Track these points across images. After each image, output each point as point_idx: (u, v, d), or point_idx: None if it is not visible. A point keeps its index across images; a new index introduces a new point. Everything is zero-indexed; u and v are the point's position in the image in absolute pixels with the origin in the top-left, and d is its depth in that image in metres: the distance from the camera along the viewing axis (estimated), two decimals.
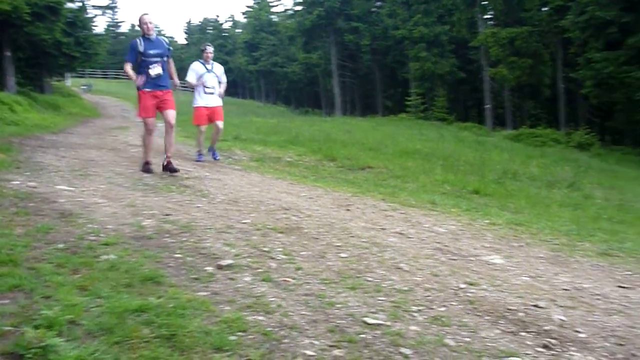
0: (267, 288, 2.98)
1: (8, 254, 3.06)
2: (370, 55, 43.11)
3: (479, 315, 2.86)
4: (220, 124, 8.79)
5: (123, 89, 41.07)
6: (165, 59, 7.03)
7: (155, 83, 6.87)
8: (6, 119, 14.28)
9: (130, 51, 6.91)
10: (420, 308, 2.88)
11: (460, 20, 35.40)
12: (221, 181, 6.89)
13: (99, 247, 3.41)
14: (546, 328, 2.74)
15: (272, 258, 3.55)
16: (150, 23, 6.95)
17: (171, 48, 7.37)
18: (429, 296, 3.08)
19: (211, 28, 74.30)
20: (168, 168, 6.93)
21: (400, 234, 4.67)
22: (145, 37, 6.88)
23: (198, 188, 6.07)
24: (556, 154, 18.58)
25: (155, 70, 6.82)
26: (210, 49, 8.87)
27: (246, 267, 3.30)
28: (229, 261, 3.35)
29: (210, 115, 8.73)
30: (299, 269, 3.38)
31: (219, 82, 8.89)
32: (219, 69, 8.93)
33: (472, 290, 3.24)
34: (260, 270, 3.28)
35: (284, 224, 4.59)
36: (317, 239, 4.19)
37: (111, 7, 31.49)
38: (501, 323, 2.78)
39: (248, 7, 62.13)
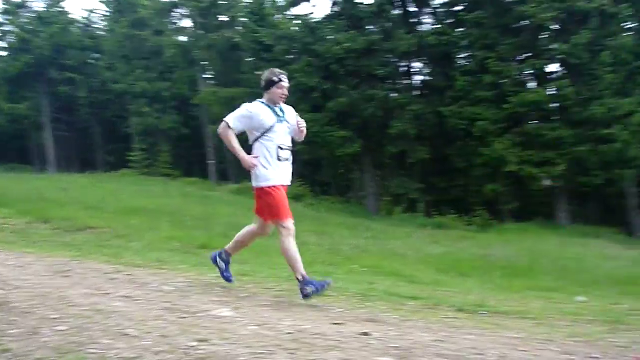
0: None
1: None
2: (88, 109, 40.82)
3: None
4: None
5: None
6: None
7: None
8: None
9: None
10: None
11: (181, 77, 36.17)
12: None
13: None
14: None
15: None
16: None
17: None
18: None
19: None
20: None
21: (126, 297, 4.44)
22: None
23: None
24: None
25: None
26: (286, 83, 5.00)
27: None
28: None
29: None
30: (6, 350, 2.94)
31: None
32: (292, 115, 5.14)
33: (202, 347, 3.23)
34: None
35: None
36: (29, 313, 3.72)
37: None
38: None
39: None
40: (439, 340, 3.74)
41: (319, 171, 32.47)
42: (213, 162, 33.82)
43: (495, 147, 21.46)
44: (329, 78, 25.67)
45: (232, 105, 27.76)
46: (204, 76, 35.81)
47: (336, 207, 25.33)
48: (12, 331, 3.29)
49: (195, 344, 3.29)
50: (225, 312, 4.17)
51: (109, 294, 4.54)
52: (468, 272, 8.98)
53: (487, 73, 22.33)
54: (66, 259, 6.27)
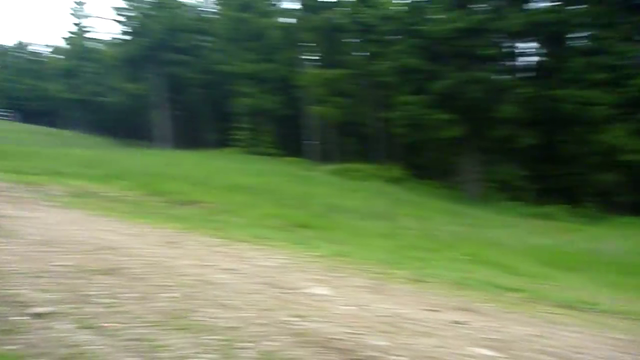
0: (90, 335, 2.79)
1: None
2: (199, 89, 42.83)
3: (309, 347, 2.96)
4: None
5: None
6: None
7: None
8: None
9: None
10: (252, 344, 2.91)
11: (286, 59, 36.87)
12: (35, 220, 6.31)
13: None
14: (370, 354, 2.93)
15: (96, 302, 3.33)
16: None
17: None
18: (260, 331, 3.12)
19: (25, 53, 68.00)
20: None
21: (230, 269, 4.67)
22: None
23: (7, 228, 5.48)
24: (374, 188, 20.01)
25: None
26: None
27: (66, 314, 3.05)
28: (45, 308, 3.08)
29: None
30: (125, 312, 3.21)
31: None
32: None
33: (300, 323, 3.35)
34: (82, 316, 3.06)
35: (106, 264, 4.33)
36: (143, 279, 4.02)
37: None
38: (329, 353, 2.91)
39: (70, 32, 58.01)
40: (538, 335, 3.60)
41: (419, 154, 31.97)
42: (313, 142, 34.31)
43: (610, 133, 19.99)
44: (433, 59, 25.08)
45: (334, 86, 27.66)
46: (306, 57, 36.23)
47: (436, 191, 24.86)
48: (128, 294, 3.58)
49: (293, 319, 3.41)
50: (323, 290, 4.27)
51: (214, 265, 4.79)
52: (574, 266, 8.49)
53: (605, 53, 20.77)
54: (176, 231, 6.67)
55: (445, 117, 24.26)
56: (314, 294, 4.13)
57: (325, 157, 33.70)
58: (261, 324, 3.24)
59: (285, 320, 3.36)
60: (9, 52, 67.80)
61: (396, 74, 26.61)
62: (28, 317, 2.95)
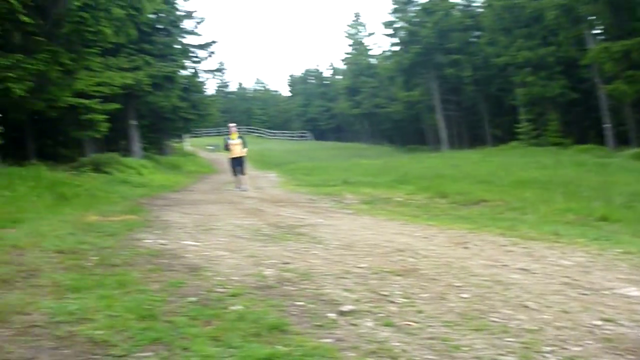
0: (389, 333, 2.98)
1: (147, 309, 3.31)
2: (473, 86, 42.29)
3: (619, 355, 2.66)
4: None
5: None
6: None
7: None
8: (135, 181, 15.65)
9: None
10: (553, 348, 2.73)
11: (566, 39, 33.90)
12: (335, 226, 7.01)
13: (227, 299, 3.60)
14: None
15: (392, 302, 3.54)
16: None
17: None
18: (561, 335, 2.91)
19: (312, 78, 76.98)
20: None
21: (524, 269, 4.46)
22: None
23: (313, 235, 6.22)
24: None
25: None
26: None
27: (367, 312, 3.32)
28: (350, 307, 3.39)
29: None
30: (420, 312, 3.34)
31: None
32: None
33: (609, 327, 3.02)
34: (381, 314, 3.28)
35: (400, 266, 4.57)
36: (436, 279, 4.12)
37: (220, 70, 34.33)
38: None
39: (347, 53, 63.58)
40: None
41: None
42: (609, 125, 30.71)
43: None
44: None
45: (628, 58, 24.30)
46: (592, 33, 32.69)
47: None
48: (423, 295, 3.71)
49: (599, 322, 3.10)
50: (635, 291, 3.77)
51: (506, 265, 4.64)
52: None
53: None
54: (464, 231, 6.66)
55: None
56: (623, 295, 3.68)
57: (621, 140, 29.91)
58: (562, 327, 3.02)
59: (590, 324, 3.07)
60: (308, 81, 77.47)
61: None
62: (335, 314, 3.28)
